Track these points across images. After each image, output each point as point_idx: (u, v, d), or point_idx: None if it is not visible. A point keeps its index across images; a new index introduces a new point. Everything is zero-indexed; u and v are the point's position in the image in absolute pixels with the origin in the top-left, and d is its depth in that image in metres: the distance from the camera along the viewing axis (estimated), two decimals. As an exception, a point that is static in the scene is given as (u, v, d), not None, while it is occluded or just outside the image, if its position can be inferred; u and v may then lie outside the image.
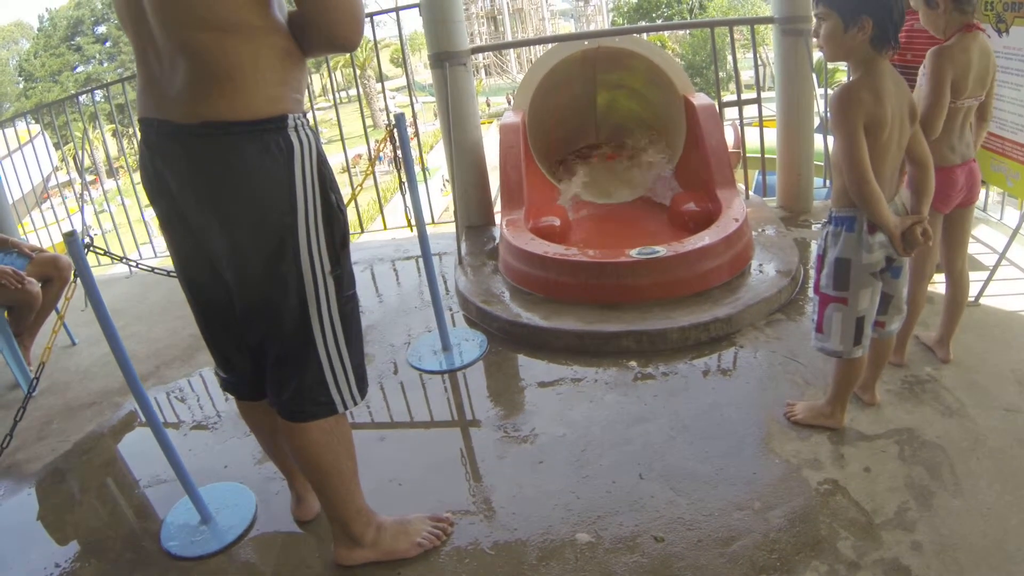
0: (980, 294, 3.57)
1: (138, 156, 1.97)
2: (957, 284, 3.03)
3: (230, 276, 1.92)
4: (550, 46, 5.34)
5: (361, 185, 3.56)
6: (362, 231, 5.70)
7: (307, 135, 1.88)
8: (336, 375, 2.02)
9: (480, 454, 2.86)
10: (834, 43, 2.34)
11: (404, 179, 3.32)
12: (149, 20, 1.74)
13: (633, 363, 3.29)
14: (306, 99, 2.15)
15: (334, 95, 6.09)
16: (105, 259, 3.01)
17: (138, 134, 1.93)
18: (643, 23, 46.75)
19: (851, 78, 2.38)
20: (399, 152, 3.26)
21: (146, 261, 4.37)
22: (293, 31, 1.82)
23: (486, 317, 3.75)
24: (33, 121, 9.24)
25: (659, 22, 44.69)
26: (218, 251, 1.90)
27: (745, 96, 5.04)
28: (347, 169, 5.78)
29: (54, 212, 7.65)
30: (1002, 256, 3.67)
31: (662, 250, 3.59)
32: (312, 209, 1.88)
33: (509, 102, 42.96)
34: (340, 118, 5.63)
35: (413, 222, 3.31)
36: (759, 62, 6.13)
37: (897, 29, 2.26)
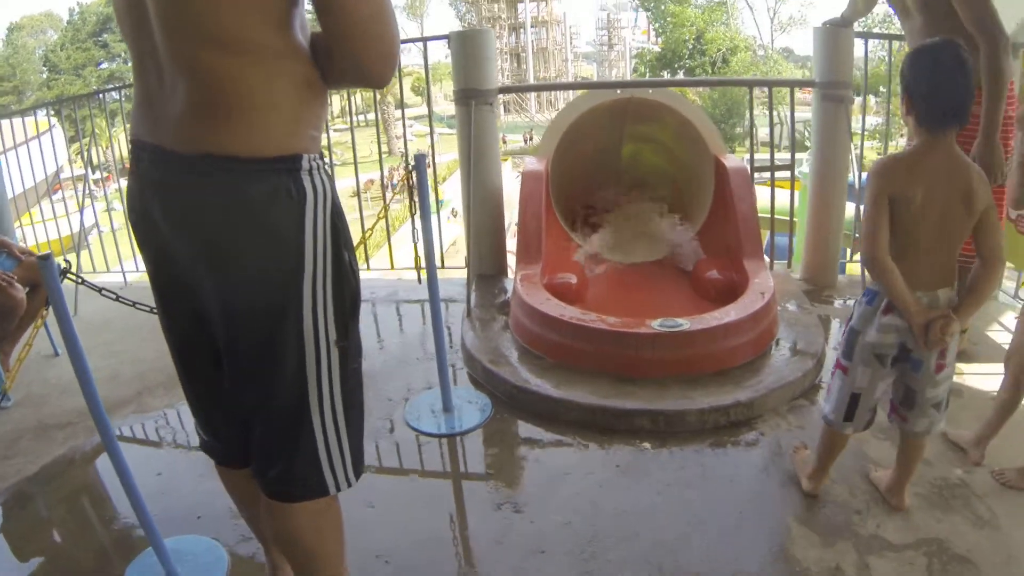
0: None
1: (126, 186, 1.74)
2: (1018, 382, 2.81)
3: (220, 336, 1.66)
4: (578, 92, 5.18)
5: (372, 229, 3.36)
6: (367, 266, 5.48)
7: (323, 181, 1.61)
8: (331, 455, 1.74)
9: (476, 535, 2.61)
10: (902, 116, 2.32)
11: (417, 217, 3.11)
12: (152, 28, 1.50)
13: (647, 445, 3.06)
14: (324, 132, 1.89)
15: (351, 118, 5.89)
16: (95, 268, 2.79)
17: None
18: (680, 76, 47.07)
19: None
20: (413, 188, 3.06)
21: (135, 285, 4.14)
22: (316, 58, 1.57)
23: (492, 379, 3.51)
24: (53, 112, 9.13)
25: (696, 77, 44.93)
26: (208, 306, 1.64)
27: (762, 155, 4.85)
28: (357, 194, 5.60)
29: (64, 204, 7.51)
30: None
31: (686, 323, 3.38)
32: (321, 268, 1.61)
33: (526, 141, 43.27)
34: (355, 142, 5.45)
35: (423, 269, 3.10)
36: (775, 120, 5.99)
37: (943, 109, 2.16)
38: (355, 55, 1.49)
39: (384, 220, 4.38)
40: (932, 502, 2.65)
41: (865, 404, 2.42)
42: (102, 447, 3.12)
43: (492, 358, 3.60)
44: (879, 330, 2.32)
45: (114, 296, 3.14)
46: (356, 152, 5.50)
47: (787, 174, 5.00)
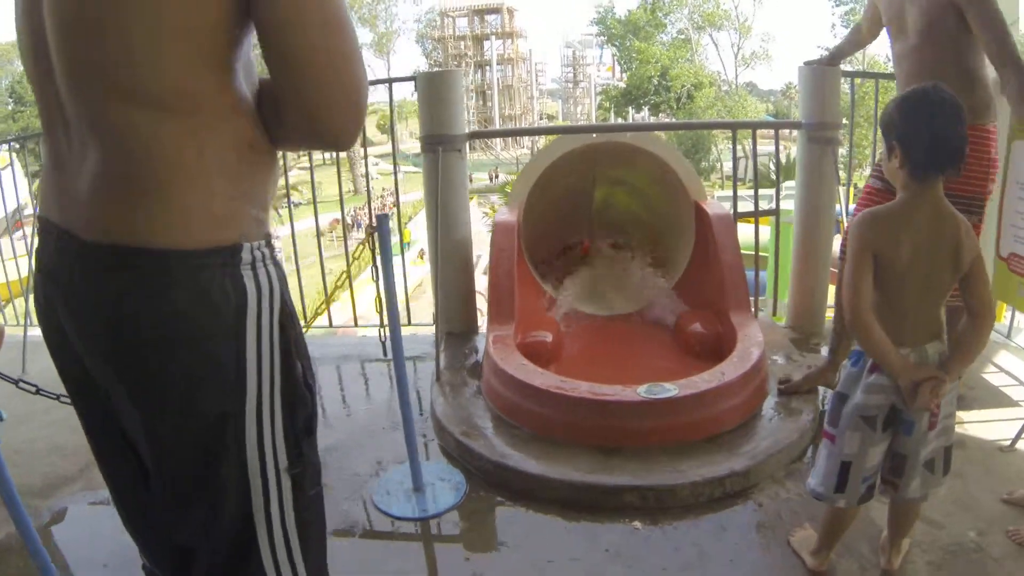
0: (1017, 438, 3.20)
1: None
2: None
3: (148, 463, 1.35)
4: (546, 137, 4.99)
5: (334, 292, 3.10)
6: (330, 324, 5.20)
7: (268, 275, 1.31)
8: None
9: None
10: (884, 168, 2.21)
11: (379, 282, 2.85)
12: (55, 78, 1.21)
13: (637, 524, 2.78)
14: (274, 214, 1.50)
15: (310, 156, 5.64)
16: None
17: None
18: (645, 111, 47.45)
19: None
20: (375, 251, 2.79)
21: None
22: (264, 112, 1.28)
23: (466, 453, 3.22)
24: (17, 147, 8.77)
25: (667, 120, 45.23)
26: (132, 428, 1.34)
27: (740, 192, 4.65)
28: (343, 227, 5.37)
29: (26, 243, 7.20)
30: None
31: (674, 389, 3.12)
32: (268, 388, 1.31)
33: (491, 179, 43.32)
34: (318, 181, 5.20)
35: (386, 339, 2.84)
36: (740, 154, 5.83)
37: (933, 158, 2.02)
38: (310, 108, 1.20)
39: (347, 275, 4.12)
40: (946, 571, 2.46)
41: (857, 473, 2.20)
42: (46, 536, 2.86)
43: (465, 429, 3.32)
44: (865, 391, 2.15)
45: (33, 389, 2.79)
46: (315, 193, 5.22)
47: (761, 208, 4.79)
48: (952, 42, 3.08)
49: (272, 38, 1.16)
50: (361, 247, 2.86)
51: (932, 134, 2.01)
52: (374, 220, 2.71)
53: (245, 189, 1.28)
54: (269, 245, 1.34)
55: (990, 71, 3.11)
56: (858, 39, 3.91)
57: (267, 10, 1.15)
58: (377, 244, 2.72)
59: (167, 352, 1.22)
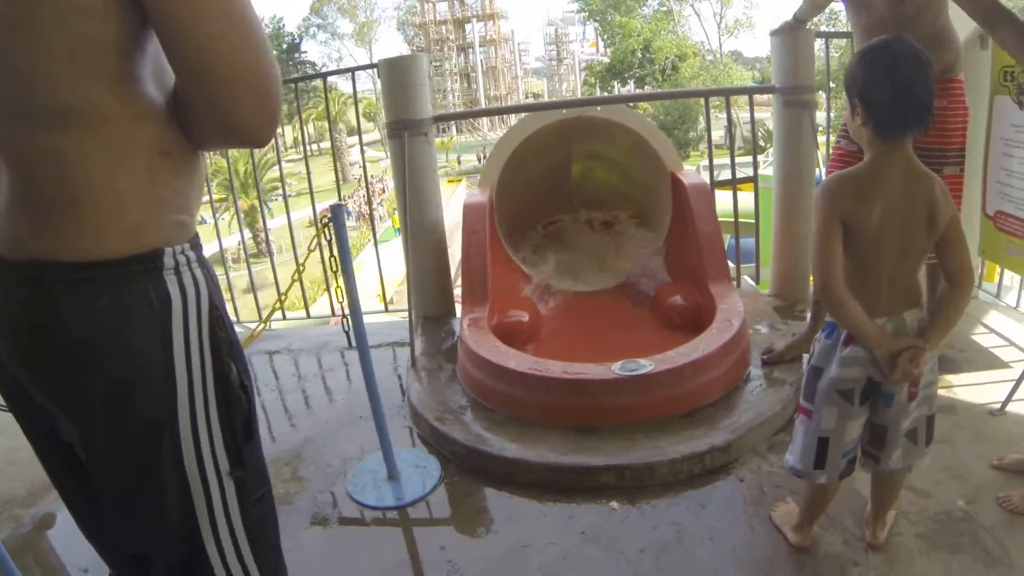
0: (1008, 400, 3.13)
1: None
2: None
3: (90, 472, 1.32)
4: (522, 114, 4.89)
5: (302, 268, 3.03)
6: (308, 314, 5.12)
7: (194, 278, 1.28)
8: None
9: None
10: (849, 128, 2.17)
11: (338, 271, 2.78)
12: None
13: (615, 504, 2.73)
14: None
15: (304, 147, 5.55)
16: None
17: None
18: (630, 85, 47.30)
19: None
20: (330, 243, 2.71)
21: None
22: (181, 114, 1.23)
23: (441, 438, 3.16)
24: None
25: (648, 90, 45.10)
26: (71, 440, 1.30)
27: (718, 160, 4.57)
28: (315, 223, 5.28)
29: None
30: None
31: (649, 364, 3.05)
32: (201, 392, 1.28)
33: (480, 160, 43.20)
34: (310, 171, 5.12)
35: (350, 329, 2.77)
36: (733, 123, 5.78)
37: (907, 114, 1.91)
38: (218, 108, 1.16)
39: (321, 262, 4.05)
40: (935, 542, 2.39)
41: (836, 449, 2.13)
42: (30, 541, 2.86)
43: (440, 414, 3.25)
44: (841, 365, 2.07)
45: None
46: (312, 183, 5.14)
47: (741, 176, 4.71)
48: (925, 7, 3.02)
49: (172, 40, 1.13)
50: (316, 238, 2.78)
51: (896, 89, 1.92)
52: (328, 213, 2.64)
53: (162, 195, 1.24)
54: (194, 248, 1.30)
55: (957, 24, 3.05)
56: (814, 7, 3.85)
57: (164, 12, 1.11)
58: (333, 235, 2.65)
59: (94, 363, 1.19)
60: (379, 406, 2.89)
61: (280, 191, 26.78)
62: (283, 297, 3.01)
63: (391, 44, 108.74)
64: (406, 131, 4.11)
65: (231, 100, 1.15)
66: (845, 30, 3.52)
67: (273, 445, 3.35)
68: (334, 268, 2.74)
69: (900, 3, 3.01)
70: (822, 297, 2.06)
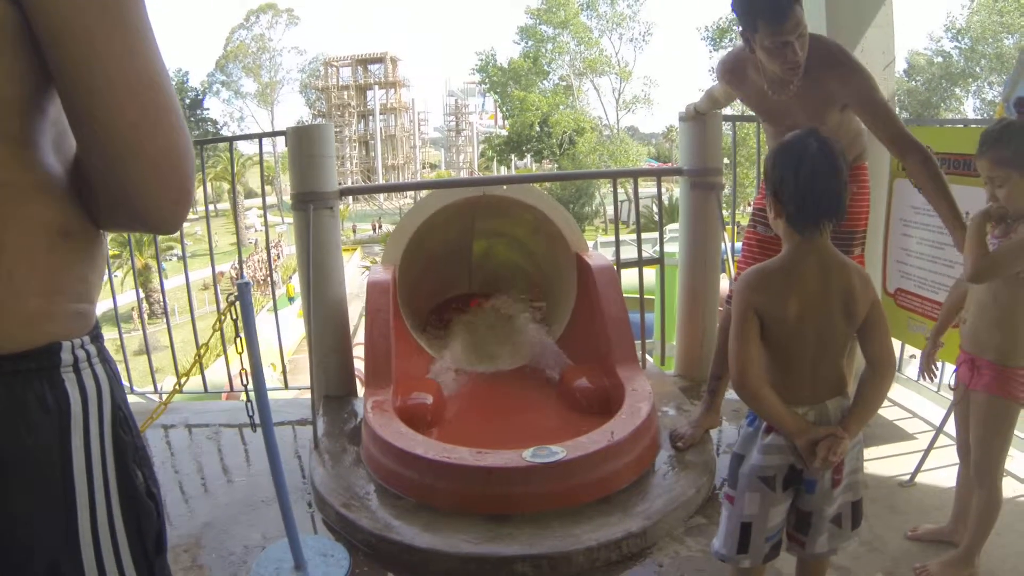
0: (916, 472, 3.23)
1: None
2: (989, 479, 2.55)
3: None
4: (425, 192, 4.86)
5: (203, 350, 2.90)
6: (205, 388, 4.92)
7: (95, 376, 1.11)
8: None
9: None
10: (770, 220, 2.12)
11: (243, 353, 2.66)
12: None
13: (530, 595, 2.63)
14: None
15: (207, 209, 5.36)
16: None
17: None
18: (527, 159, 47.89)
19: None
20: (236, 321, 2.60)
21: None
22: (82, 187, 1.07)
23: (348, 526, 3.01)
24: None
25: (545, 165, 45.69)
26: None
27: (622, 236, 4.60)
28: (214, 286, 5.13)
29: None
30: (939, 431, 3.35)
31: (561, 451, 2.99)
32: (103, 505, 1.09)
33: (375, 229, 43.07)
34: (211, 233, 4.96)
35: (254, 413, 2.65)
36: (623, 197, 5.85)
37: (819, 207, 1.95)
38: (123, 188, 1.01)
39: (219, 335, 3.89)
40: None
41: (759, 533, 2.11)
42: None
43: (345, 500, 3.11)
44: (762, 452, 2.07)
45: None
46: (212, 245, 5.00)
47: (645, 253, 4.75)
48: (844, 123, 3.17)
49: (74, 106, 0.99)
50: (224, 316, 2.66)
51: (806, 181, 1.94)
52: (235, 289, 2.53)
53: (60, 282, 1.07)
54: (95, 340, 1.14)
55: None
56: (714, 104, 3.95)
57: (67, 73, 0.97)
58: (239, 314, 2.53)
59: None
60: (285, 492, 2.75)
61: (175, 251, 26.18)
62: (185, 378, 2.86)
63: (293, 106, 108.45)
64: (311, 203, 4.02)
65: (138, 182, 1.00)
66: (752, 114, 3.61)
67: (171, 530, 3.14)
68: (240, 350, 2.62)
69: (820, 123, 3.10)
70: (738, 389, 2.04)
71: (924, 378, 2.95)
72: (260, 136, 4.93)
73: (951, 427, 3.26)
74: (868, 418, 2.07)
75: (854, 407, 2.04)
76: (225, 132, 54.04)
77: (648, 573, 2.74)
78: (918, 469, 3.22)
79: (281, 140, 4.25)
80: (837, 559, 2.58)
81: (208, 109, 61.12)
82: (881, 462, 3.38)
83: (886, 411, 3.96)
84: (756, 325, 2.00)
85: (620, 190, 4.64)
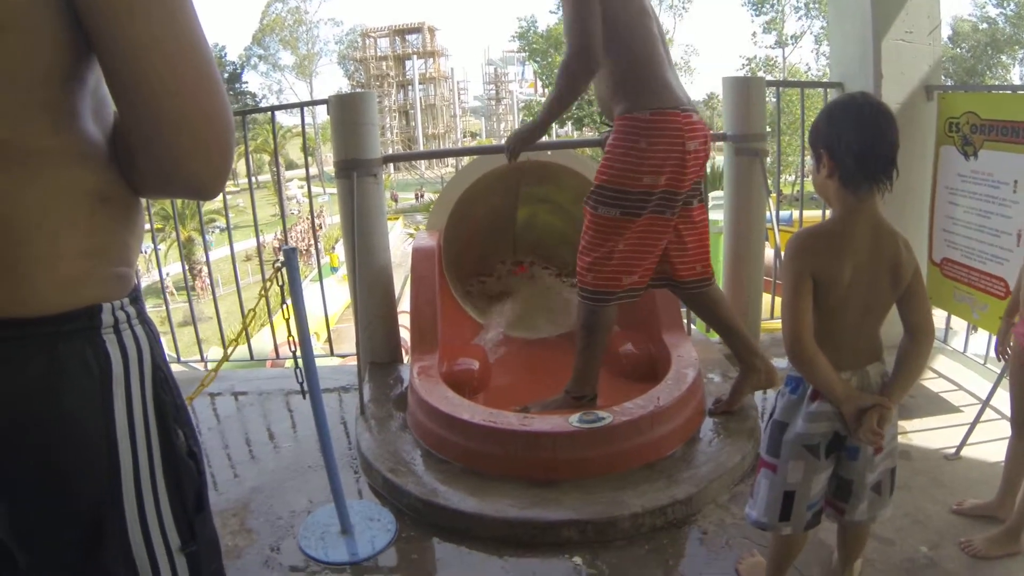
0: (962, 445, 3.17)
1: None
2: None
3: (20, 560, 1.13)
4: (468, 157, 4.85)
5: (252, 312, 2.92)
6: (251, 356, 4.97)
7: (135, 337, 1.13)
8: None
9: None
10: (814, 183, 2.10)
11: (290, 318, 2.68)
12: None
13: (578, 559, 2.64)
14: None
15: (250, 179, 5.40)
16: None
17: None
18: (568, 126, 47.57)
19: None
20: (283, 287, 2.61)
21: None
22: (121, 156, 1.10)
23: (394, 491, 3.04)
24: None
25: (586, 132, 45.26)
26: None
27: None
28: (259, 256, 5.17)
29: None
30: (986, 404, 3.29)
31: (607, 416, 2.99)
32: (146, 462, 1.12)
33: (417, 198, 43.14)
34: (255, 202, 4.99)
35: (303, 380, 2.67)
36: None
37: (865, 164, 1.91)
38: (164, 153, 1.03)
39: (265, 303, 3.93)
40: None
41: (802, 501, 2.10)
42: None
43: (392, 465, 3.14)
44: (807, 420, 2.04)
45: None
46: (256, 217, 5.02)
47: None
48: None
49: (115, 73, 1.00)
50: (270, 283, 2.68)
51: (869, 141, 1.91)
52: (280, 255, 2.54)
53: (100, 245, 1.09)
54: (135, 302, 1.15)
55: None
56: None
57: (108, 40, 0.98)
58: (285, 280, 2.55)
59: (24, 436, 1.03)
60: (332, 458, 2.78)
61: (216, 223, 26.44)
62: (233, 345, 2.89)
63: (331, 78, 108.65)
64: (355, 171, 4.02)
65: (180, 148, 1.02)
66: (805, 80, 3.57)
67: (218, 495, 3.20)
68: (286, 316, 2.64)
69: None
70: (792, 354, 2.01)
71: (1001, 359, 2.86)
72: (302, 105, 4.92)
73: (997, 401, 3.23)
74: (910, 386, 2.06)
75: (896, 375, 2.03)
76: (264, 104, 54.26)
77: (692, 540, 2.73)
78: (964, 442, 3.17)
79: (320, 112, 4.24)
80: (881, 530, 2.59)
81: (247, 82, 61.49)
82: (926, 434, 3.35)
83: (931, 383, 3.91)
84: (810, 287, 1.97)
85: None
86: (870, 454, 2.04)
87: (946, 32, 42.45)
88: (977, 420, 3.23)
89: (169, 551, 1.16)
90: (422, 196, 43.60)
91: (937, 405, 3.66)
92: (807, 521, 2.13)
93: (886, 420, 1.94)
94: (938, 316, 4.22)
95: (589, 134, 45.17)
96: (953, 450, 3.16)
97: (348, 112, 4.06)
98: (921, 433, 3.35)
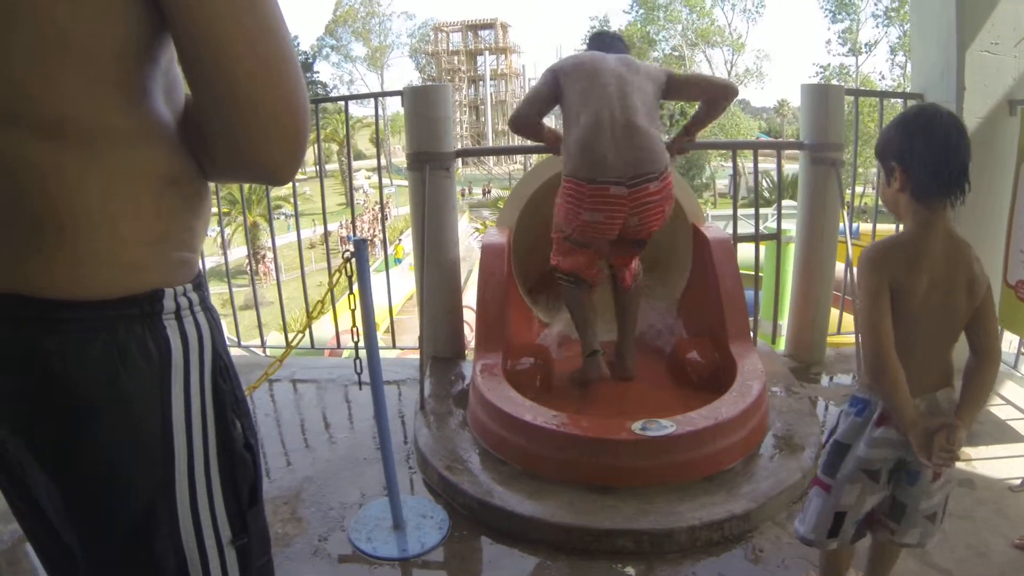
0: None
1: None
2: None
3: (71, 542, 1.13)
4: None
5: (320, 304, 2.93)
6: (312, 344, 4.99)
7: (196, 324, 1.11)
8: None
9: None
10: (882, 197, 2.06)
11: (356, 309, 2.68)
12: None
13: (631, 570, 2.60)
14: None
15: (320, 166, 5.41)
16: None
17: None
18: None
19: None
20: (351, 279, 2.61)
21: None
22: (192, 139, 1.09)
23: (449, 489, 3.03)
24: None
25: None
26: (48, 506, 1.11)
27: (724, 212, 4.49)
28: (325, 244, 5.20)
29: None
30: None
31: (670, 426, 2.94)
32: (201, 452, 1.11)
33: (485, 193, 43.21)
34: (324, 190, 5.02)
35: (362, 371, 2.67)
36: (736, 172, 5.75)
37: (939, 176, 1.85)
38: (239, 136, 1.01)
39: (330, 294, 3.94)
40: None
41: (851, 520, 2.08)
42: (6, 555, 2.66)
43: (449, 463, 3.13)
44: (871, 445, 2.00)
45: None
46: (325, 204, 5.05)
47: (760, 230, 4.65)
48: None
49: (191, 53, 0.98)
50: (338, 274, 2.68)
51: (944, 153, 1.86)
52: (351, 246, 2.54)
53: (165, 229, 1.09)
54: (198, 288, 1.14)
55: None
56: None
57: (185, 21, 0.96)
58: (354, 270, 2.55)
59: (81, 422, 1.02)
60: (390, 452, 2.77)
61: (282, 209, 26.73)
62: (300, 335, 2.90)
63: (403, 71, 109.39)
64: (428, 164, 4.02)
65: (256, 130, 1.01)
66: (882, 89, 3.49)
67: (270, 483, 3.22)
68: (352, 306, 2.64)
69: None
70: (873, 370, 1.94)
71: None
72: (375, 95, 4.94)
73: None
74: (979, 410, 2.01)
75: (964, 398, 1.96)
76: (335, 95, 54.86)
77: (748, 557, 2.68)
78: (1030, 473, 3.06)
79: (390, 104, 4.26)
80: (941, 561, 2.53)
81: (318, 72, 61.94)
82: (991, 463, 3.24)
83: (997, 409, 3.79)
84: (889, 301, 1.92)
85: (730, 164, 4.51)
86: (928, 480, 1.99)
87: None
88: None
89: (220, 543, 1.16)
90: (489, 192, 43.69)
91: (1004, 433, 3.55)
92: (852, 535, 2.11)
93: (955, 439, 1.87)
94: (1009, 341, 4.12)
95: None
96: (1019, 481, 3.05)
97: (423, 105, 4.06)
98: (986, 462, 3.25)
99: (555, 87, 3.64)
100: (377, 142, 4.98)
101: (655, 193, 3.45)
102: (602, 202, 3.44)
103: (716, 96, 3.71)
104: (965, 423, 1.90)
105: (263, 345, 5.40)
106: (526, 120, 3.79)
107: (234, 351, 5.21)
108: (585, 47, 3.95)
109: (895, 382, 1.90)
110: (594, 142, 3.41)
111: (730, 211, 4.27)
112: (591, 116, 3.43)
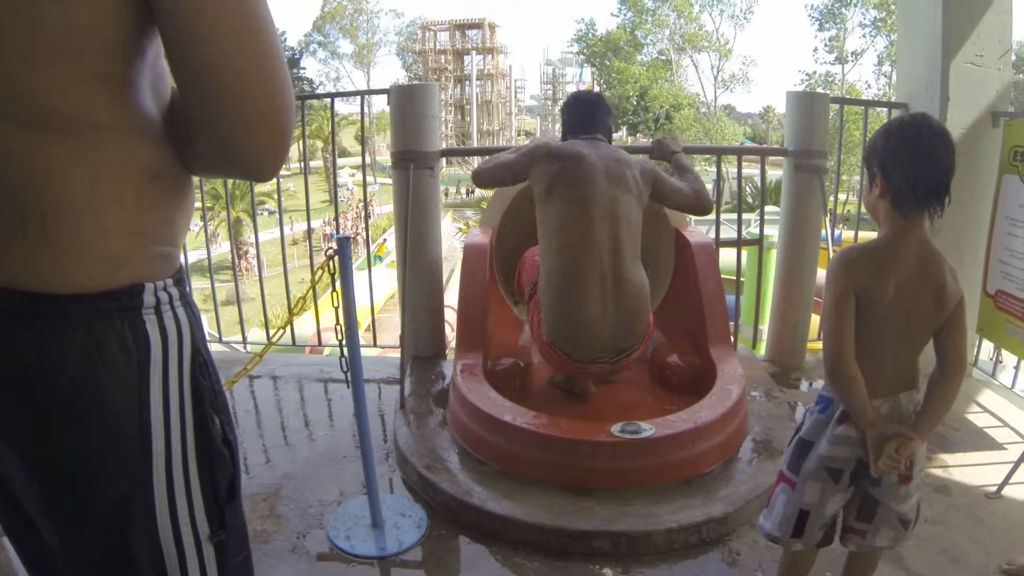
0: (1004, 484, 3.09)
1: None
2: None
3: (47, 538, 1.13)
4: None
5: (302, 301, 2.93)
6: (293, 342, 4.97)
7: (176, 320, 1.11)
8: None
9: None
10: (864, 201, 2.10)
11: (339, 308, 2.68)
12: None
13: (608, 571, 2.61)
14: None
15: (305, 163, 5.39)
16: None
17: None
18: (623, 131, 47.42)
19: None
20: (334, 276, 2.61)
21: None
22: (176, 132, 1.09)
23: (428, 488, 3.03)
24: None
25: (639, 138, 45.22)
26: (25, 500, 1.11)
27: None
28: (308, 241, 5.18)
29: None
30: None
31: (650, 429, 2.95)
32: (179, 449, 1.11)
33: (468, 194, 43.15)
34: (308, 187, 4.99)
35: (348, 370, 2.66)
36: (720, 177, 5.79)
37: (918, 187, 1.87)
38: (222, 133, 1.02)
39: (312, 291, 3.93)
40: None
41: (815, 521, 2.10)
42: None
43: (428, 462, 3.13)
44: (832, 442, 2.04)
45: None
46: (309, 200, 5.02)
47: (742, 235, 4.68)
48: None
49: (179, 50, 0.98)
50: (321, 271, 2.68)
51: (925, 163, 1.88)
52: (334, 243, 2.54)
53: (148, 225, 1.09)
54: (179, 283, 1.14)
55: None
56: None
57: (174, 18, 0.97)
58: (337, 268, 2.55)
59: (58, 417, 1.03)
60: (369, 450, 2.77)
61: (265, 205, 26.64)
62: (281, 332, 2.89)
63: (390, 69, 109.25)
64: (412, 163, 4.02)
65: (241, 126, 1.01)
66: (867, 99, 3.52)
67: (249, 480, 3.22)
68: (335, 304, 2.64)
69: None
70: (831, 373, 1.99)
71: None
72: (362, 93, 4.93)
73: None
74: (939, 421, 2.02)
75: (925, 409, 1.99)
76: (321, 92, 54.62)
77: (725, 560, 2.69)
78: (1006, 481, 3.09)
79: (375, 102, 4.26)
80: (914, 565, 2.56)
81: (304, 68, 61.75)
82: (967, 470, 3.27)
83: (976, 417, 3.83)
84: (853, 305, 1.95)
85: (713, 168, 4.54)
86: (895, 482, 2.01)
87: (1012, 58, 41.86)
88: (1022, 459, 3.14)
89: (197, 539, 1.16)
90: (472, 192, 43.69)
91: (981, 440, 3.58)
92: (818, 540, 2.14)
93: (907, 450, 1.89)
94: (987, 349, 4.16)
95: (643, 140, 45.07)
96: (994, 488, 3.08)
97: (409, 103, 4.06)
98: (962, 468, 3.28)
99: (529, 169, 3.52)
100: (363, 139, 4.98)
101: (639, 356, 3.50)
102: (578, 372, 3.48)
103: (690, 208, 3.69)
104: (922, 434, 1.93)
105: (244, 341, 5.38)
106: (491, 181, 3.72)
107: (215, 347, 5.19)
108: (566, 115, 3.84)
109: (851, 386, 1.94)
110: (576, 307, 3.30)
111: (712, 216, 4.27)
112: (574, 262, 3.32)
